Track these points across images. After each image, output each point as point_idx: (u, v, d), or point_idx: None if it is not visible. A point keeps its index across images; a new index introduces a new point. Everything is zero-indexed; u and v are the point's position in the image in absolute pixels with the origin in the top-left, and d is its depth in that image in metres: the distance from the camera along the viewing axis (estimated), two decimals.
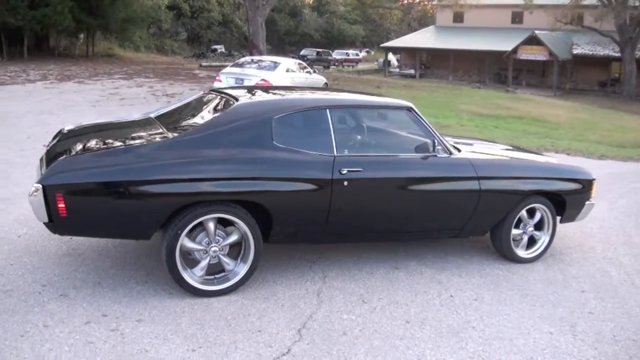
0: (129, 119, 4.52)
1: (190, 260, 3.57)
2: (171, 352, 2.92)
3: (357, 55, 48.14)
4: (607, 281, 4.29)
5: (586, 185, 4.64)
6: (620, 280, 4.34)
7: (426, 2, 33.27)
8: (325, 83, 15.45)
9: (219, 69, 18.83)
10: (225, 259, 3.59)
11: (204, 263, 3.52)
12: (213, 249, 3.51)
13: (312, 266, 4.14)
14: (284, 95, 4.26)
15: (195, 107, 4.25)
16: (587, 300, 3.92)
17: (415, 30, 44.92)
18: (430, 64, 38.39)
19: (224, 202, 3.44)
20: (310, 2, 62.43)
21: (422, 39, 38.34)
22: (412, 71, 37.17)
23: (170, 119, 4.06)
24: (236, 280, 3.59)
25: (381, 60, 41.00)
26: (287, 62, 14.23)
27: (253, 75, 12.81)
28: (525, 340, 3.30)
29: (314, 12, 59.03)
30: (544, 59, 30.62)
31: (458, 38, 35.46)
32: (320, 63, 38.56)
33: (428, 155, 3.98)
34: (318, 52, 41.26)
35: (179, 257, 3.42)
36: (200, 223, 3.45)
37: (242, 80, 12.72)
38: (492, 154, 4.57)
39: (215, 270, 3.62)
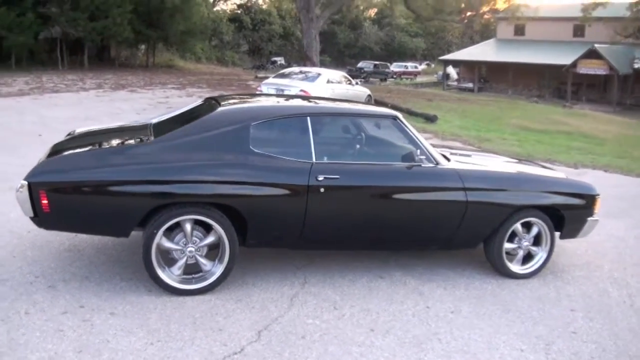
0: (132, 124, 4.75)
1: (170, 260, 3.71)
2: (130, 345, 3.06)
3: (415, 68, 47.85)
4: (603, 301, 4.10)
5: (589, 200, 4.47)
6: (619, 301, 4.13)
7: (488, 15, 32.58)
8: (369, 95, 15.45)
9: None
10: (202, 260, 3.71)
11: (180, 262, 3.66)
12: (189, 249, 3.64)
13: (297, 272, 4.20)
14: (268, 102, 4.36)
15: (192, 113, 4.42)
16: (574, 320, 3.77)
17: (477, 43, 44.19)
18: (490, 77, 37.59)
19: (199, 204, 3.57)
20: (372, 14, 62.70)
21: (482, 52, 37.65)
22: (470, 85, 36.55)
23: (164, 125, 4.24)
24: (212, 280, 3.70)
25: (440, 73, 40.55)
26: (329, 74, 14.36)
27: (292, 86, 13.02)
28: (490, 356, 3.23)
29: (374, 25, 59.24)
30: (604, 73, 29.37)
31: (518, 51, 34.59)
32: (377, 76, 38.59)
33: (412, 164, 3.96)
34: (375, 65, 41.30)
35: (155, 256, 3.57)
36: (179, 224, 3.60)
37: (282, 90, 12.93)
38: (485, 166, 4.48)
39: (194, 270, 3.75)
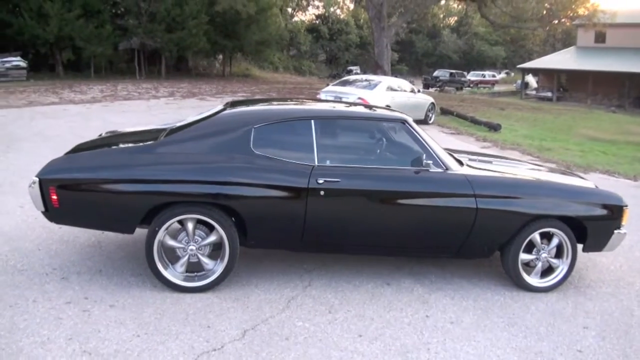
0: (159, 127, 4.94)
1: (176, 257, 3.84)
2: (118, 335, 3.19)
3: (493, 76, 46.52)
4: (623, 321, 3.80)
5: (615, 212, 4.16)
6: None
7: (567, 22, 31.10)
8: (432, 103, 15.17)
9: None
10: (204, 259, 3.80)
11: (183, 260, 3.78)
12: (191, 247, 3.75)
13: (304, 275, 4.20)
14: (276, 105, 4.40)
15: (209, 117, 4.54)
16: (583, 338, 3.52)
17: (559, 50, 42.37)
18: (569, 86, 35.80)
19: (200, 204, 3.67)
20: (451, 23, 61.73)
21: (561, 60, 35.94)
22: (549, 94, 34.98)
23: (181, 127, 4.39)
24: (213, 279, 3.78)
25: (519, 82, 39.17)
26: (389, 81, 14.23)
27: (351, 93, 13.02)
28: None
29: (453, 34, 58.28)
30: None
31: (598, 59, 32.72)
32: (452, 84, 37.87)
33: (419, 169, 3.88)
34: (451, 73, 40.53)
35: (157, 253, 3.70)
36: (182, 223, 3.72)
37: (341, 98, 12.96)
38: (502, 172, 4.28)
39: (197, 268, 3.85)
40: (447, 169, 3.94)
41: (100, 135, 4.87)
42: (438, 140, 11.44)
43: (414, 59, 56.36)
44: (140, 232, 3.96)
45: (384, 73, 23.56)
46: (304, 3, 52.46)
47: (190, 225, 3.72)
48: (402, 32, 50.47)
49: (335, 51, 54.39)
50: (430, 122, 14.91)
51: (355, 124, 4.20)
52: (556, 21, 29.39)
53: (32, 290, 3.69)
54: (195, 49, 30.39)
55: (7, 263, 4.09)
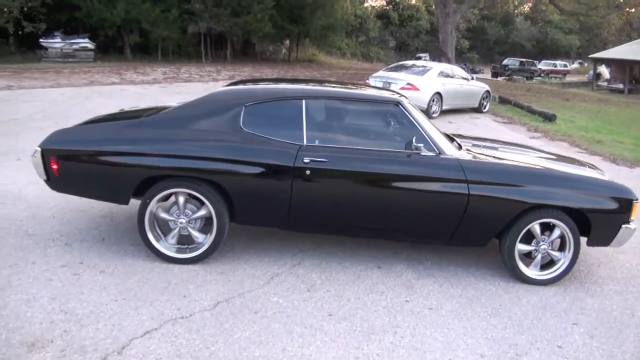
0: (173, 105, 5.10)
1: (169, 230, 3.97)
2: (98, 298, 3.35)
3: (565, 66, 44.26)
4: (621, 320, 3.59)
5: (624, 205, 3.91)
6: None
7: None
8: (487, 91, 14.66)
9: None
10: (194, 232, 3.91)
11: (174, 232, 3.91)
12: (181, 220, 3.87)
13: (297, 254, 4.23)
14: (270, 85, 4.40)
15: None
16: (569, 334, 3.35)
17: (634, 40, 39.61)
18: None
19: (190, 178, 3.77)
20: (525, 10, 59.15)
21: (636, 50, 33.56)
22: (620, 85, 32.84)
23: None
24: (201, 252, 3.89)
25: (591, 72, 37.05)
26: (441, 67, 13.85)
27: (400, 79, 12.81)
28: (439, 356, 3.01)
29: (526, 21, 55.86)
30: None
31: None
32: (522, 73, 36.35)
33: (409, 152, 3.80)
34: (521, 62, 38.90)
35: (149, 224, 3.84)
36: (175, 196, 3.84)
37: (389, 83, 12.80)
38: (502, 159, 4.10)
39: (189, 241, 3.97)
40: (439, 153, 3.84)
41: (121, 110, 5.08)
42: (488, 129, 11.15)
43: (486, 47, 54.50)
44: None
45: (448, 60, 22.97)
46: None
47: (181, 199, 3.84)
48: (473, 19, 48.93)
49: (405, 38, 53.54)
50: (485, 110, 14.43)
51: (347, 105, 4.15)
52: (632, 9, 27.43)
53: (35, 253, 3.94)
54: (260, 34, 30.77)
55: (20, 228, 4.38)
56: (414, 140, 3.76)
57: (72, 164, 3.82)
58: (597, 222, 3.88)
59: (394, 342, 3.10)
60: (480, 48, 54.41)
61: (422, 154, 3.80)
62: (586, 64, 51.50)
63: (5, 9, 19.63)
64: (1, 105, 9.76)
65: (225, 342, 2.98)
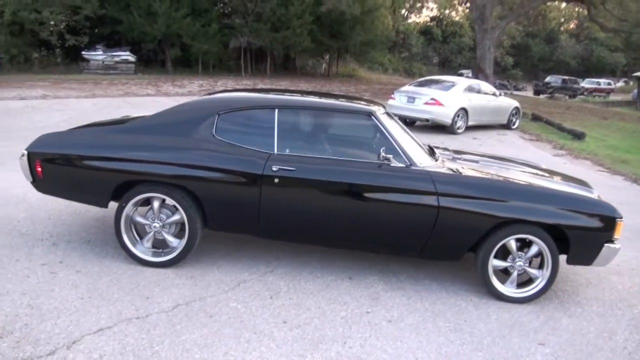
0: None
1: (145, 233, 4.08)
2: (65, 296, 3.47)
3: (609, 84, 42.78)
4: (595, 343, 3.44)
5: (606, 223, 3.77)
6: (619, 346, 3.43)
7: None
8: (516, 108, 14.36)
9: None
10: (168, 237, 4.01)
11: (149, 236, 4.02)
12: (155, 224, 3.98)
13: (272, 261, 4.27)
14: (244, 94, 4.45)
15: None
16: (531, 354, 3.24)
17: None
18: None
19: (163, 184, 3.88)
20: (570, 27, 57.72)
21: None
22: None
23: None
24: (173, 256, 3.98)
25: (635, 91, 35.65)
26: (468, 83, 13.68)
27: (424, 94, 12.74)
28: (387, 357, 2.98)
29: (571, 38, 54.52)
30: None
31: None
32: (564, 91, 35.40)
33: (379, 162, 3.79)
34: (564, 80, 37.86)
35: (124, 227, 3.96)
36: (149, 201, 3.96)
37: (414, 98, 12.77)
38: (475, 172, 4.03)
39: (164, 245, 4.07)
40: (410, 164, 3.81)
41: (124, 116, 5.28)
42: (513, 146, 10.92)
43: (530, 64, 53.38)
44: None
45: (486, 77, 22.65)
46: (418, 5, 51.88)
47: (155, 204, 3.95)
48: (518, 36, 48.06)
49: (448, 54, 53.21)
50: (514, 127, 14.13)
51: (320, 115, 4.17)
52: None
53: (21, 251, 4.13)
54: (299, 48, 31.20)
55: (15, 227, 4.60)
56: (382, 151, 3.75)
57: (55, 167, 4.00)
58: (576, 239, 3.75)
59: (340, 352, 3.09)
60: (525, 65, 53.35)
61: (391, 164, 3.79)
62: (631, 82, 49.65)
63: (52, 22, 20.66)
64: (32, 113, 10.27)
65: (171, 343, 3.04)
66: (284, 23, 28.86)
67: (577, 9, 46.12)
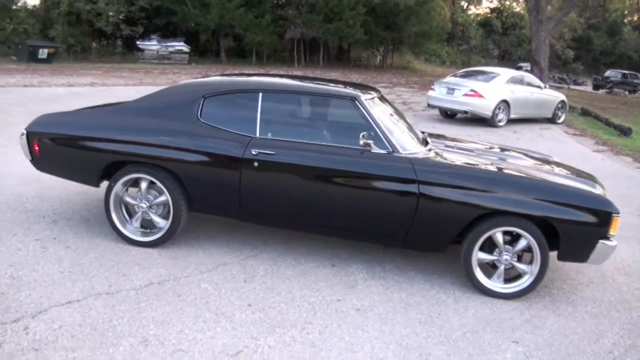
0: None
1: (134, 213, 4.17)
2: (48, 269, 3.60)
3: None
4: (578, 344, 3.24)
5: (601, 218, 3.53)
6: (604, 349, 3.21)
7: None
8: (562, 101, 13.71)
9: None
10: (155, 217, 4.09)
11: (137, 216, 4.12)
12: (142, 205, 4.06)
13: (260, 246, 4.27)
14: (231, 78, 4.42)
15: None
16: (501, 351, 3.09)
17: None
18: None
19: (149, 165, 3.95)
20: (634, 19, 54.43)
21: None
22: None
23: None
24: (158, 236, 4.05)
25: None
26: (511, 74, 13.13)
27: (463, 85, 12.36)
28: (335, 355, 2.91)
29: (634, 31, 51.39)
30: None
31: None
32: (623, 86, 33.47)
33: (361, 148, 3.70)
34: (624, 74, 35.79)
35: (113, 206, 4.07)
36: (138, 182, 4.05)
37: (453, 90, 12.42)
38: (464, 161, 3.86)
39: (152, 225, 4.15)
40: (393, 150, 3.70)
41: None
42: (554, 141, 10.46)
43: (591, 58, 50.77)
44: None
45: (541, 70, 21.75)
46: None
47: (143, 185, 4.03)
48: (579, 28, 45.79)
49: (507, 46, 51.54)
50: (559, 121, 13.51)
51: (304, 99, 4.11)
52: None
53: (21, 226, 4.32)
54: (352, 40, 31.06)
55: (23, 204, 4.82)
56: (361, 137, 3.65)
57: (50, 146, 4.15)
58: (566, 234, 3.54)
59: (295, 337, 3.05)
60: (586, 59, 50.85)
61: (372, 151, 3.69)
62: None
63: (111, 13, 21.50)
64: (75, 99, 10.73)
65: (131, 318, 3.10)
66: (337, 14, 28.80)
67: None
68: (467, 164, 3.83)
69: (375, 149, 3.69)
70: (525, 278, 3.71)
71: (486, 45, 51.26)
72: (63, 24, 20.67)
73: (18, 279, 3.47)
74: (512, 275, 3.80)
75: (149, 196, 4.06)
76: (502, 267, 3.74)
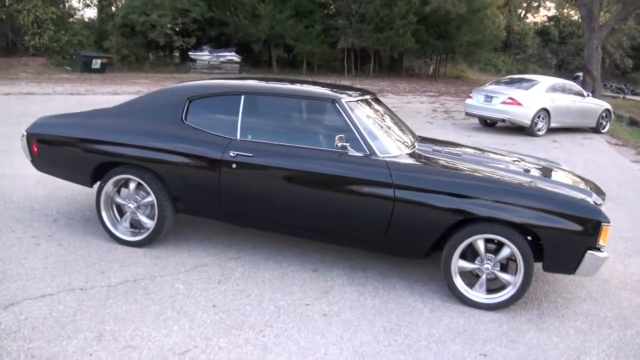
0: None
1: (124, 213, 4.28)
2: (33, 265, 3.73)
3: None
4: (561, 356, 3.04)
5: (588, 227, 3.31)
6: None
7: None
8: (607, 110, 13.05)
9: None
10: (143, 217, 4.17)
11: (126, 216, 4.22)
12: (130, 205, 4.16)
13: (245, 248, 4.28)
14: (216, 81, 4.41)
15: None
16: (462, 359, 2.94)
17: None
18: None
19: (136, 166, 4.04)
20: None
21: None
22: None
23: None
24: (145, 236, 4.13)
25: None
26: (551, 82, 12.60)
27: (501, 93, 11.98)
28: (288, 356, 2.85)
29: None
30: None
31: None
32: None
33: (338, 151, 3.64)
34: None
35: (104, 206, 4.19)
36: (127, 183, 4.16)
37: (491, 98, 12.07)
38: (446, 166, 3.71)
39: (141, 226, 4.24)
40: (370, 154, 3.62)
41: None
42: (594, 151, 10.04)
43: None
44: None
45: (593, 79, 20.88)
46: (535, 4, 49.05)
47: (131, 186, 4.13)
48: (638, 36, 43.48)
49: (565, 55, 49.66)
50: (604, 131, 12.88)
51: (284, 101, 4.07)
52: None
53: (22, 224, 4.52)
54: (402, 49, 30.79)
55: (31, 204, 5.04)
56: (337, 139, 3.59)
57: (47, 147, 4.32)
58: (550, 243, 3.34)
59: (249, 339, 3.01)
60: None
61: (349, 153, 3.62)
62: None
63: (164, 25, 22.29)
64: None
65: (94, 314, 3.16)
66: (387, 23, 28.64)
67: None
68: (446, 168, 3.69)
69: (352, 152, 3.62)
70: (508, 289, 3.53)
71: (543, 54, 49.65)
72: (117, 35, 21.66)
73: (2, 273, 3.61)
74: (497, 286, 3.63)
75: (137, 197, 4.15)
76: (484, 277, 3.58)
